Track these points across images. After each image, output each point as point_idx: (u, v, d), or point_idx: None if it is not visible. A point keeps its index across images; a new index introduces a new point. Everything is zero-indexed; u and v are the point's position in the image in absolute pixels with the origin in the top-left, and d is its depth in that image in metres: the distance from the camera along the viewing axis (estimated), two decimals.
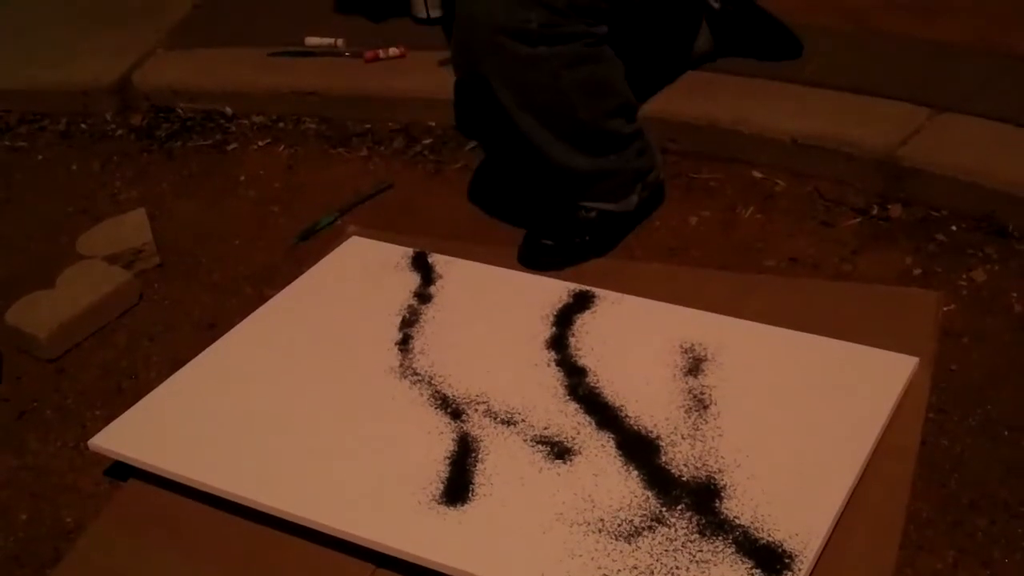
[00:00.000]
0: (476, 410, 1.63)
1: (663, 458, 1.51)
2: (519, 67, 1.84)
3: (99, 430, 1.68)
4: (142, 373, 1.90)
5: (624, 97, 1.97)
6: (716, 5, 2.32)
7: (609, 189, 2.00)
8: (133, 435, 1.66)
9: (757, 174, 2.19)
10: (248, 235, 2.23)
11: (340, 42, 2.70)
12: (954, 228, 1.98)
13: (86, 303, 2.00)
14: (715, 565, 1.34)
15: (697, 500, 1.44)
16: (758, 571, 1.33)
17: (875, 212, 2.04)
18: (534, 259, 1.99)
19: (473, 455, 1.55)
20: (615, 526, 1.41)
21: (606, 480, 1.48)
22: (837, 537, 1.38)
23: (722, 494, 1.44)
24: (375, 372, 1.73)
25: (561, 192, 2.03)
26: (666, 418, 1.57)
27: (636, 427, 1.57)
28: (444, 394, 1.67)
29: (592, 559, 1.37)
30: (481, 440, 1.57)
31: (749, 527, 1.39)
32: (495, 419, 1.61)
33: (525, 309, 1.83)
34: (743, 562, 1.34)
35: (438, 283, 1.92)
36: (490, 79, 1.87)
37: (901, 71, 2.28)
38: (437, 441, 1.58)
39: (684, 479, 1.47)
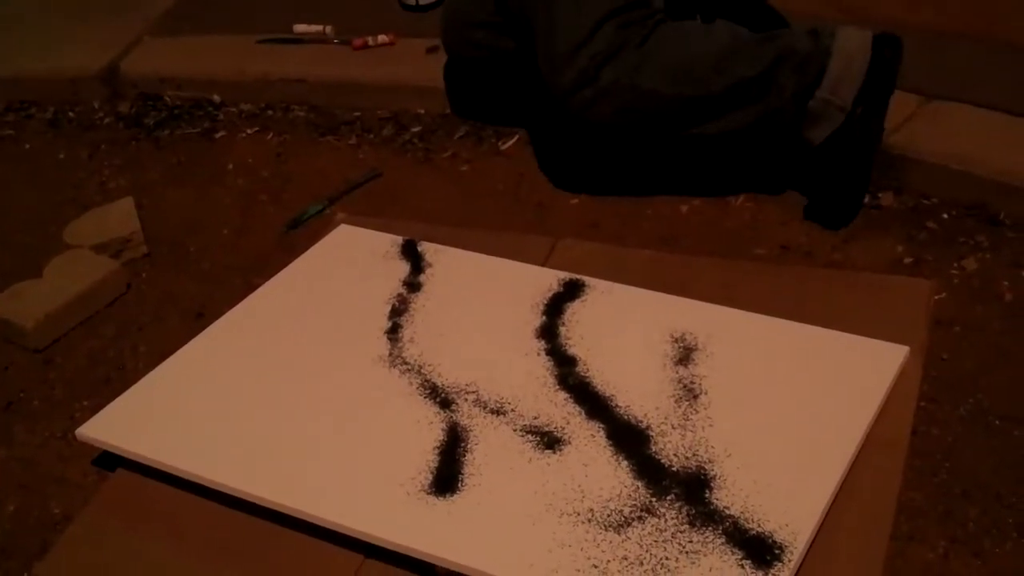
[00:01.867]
0: (465, 399, 1.62)
1: (653, 448, 1.50)
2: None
3: (87, 420, 1.67)
4: (130, 363, 1.89)
5: (714, 46, 1.96)
6: None
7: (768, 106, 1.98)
8: (121, 424, 1.65)
9: None
10: (236, 224, 2.22)
11: (329, 29, 2.69)
12: (945, 216, 1.98)
13: (73, 293, 1.99)
14: (705, 556, 1.34)
15: (687, 490, 1.43)
16: (748, 562, 1.32)
17: (866, 200, 2.03)
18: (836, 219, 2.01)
19: (462, 445, 1.54)
20: (605, 516, 1.41)
21: (596, 470, 1.48)
22: (827, 527, 1.38)
23: (712, 484, 1.43)
24: (364, 361, 1.72)
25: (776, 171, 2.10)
26: (656, 408, 1.57)
27: (626, 417, 1.56)
28: (433, 383, 1.66)
29: (582, 549, 1.36)
30: (470, 430, 1.57)
31: (739, 517, 1.38)
32: (484, 408, 1.60)
33: (515, 298, 1.82)
34: (733, 553, 1.34)
35: (427, 271, 1.91)
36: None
37: None
38: (426, 431, 1.57)
39: (674, 469, 1.46)
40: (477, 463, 1.51)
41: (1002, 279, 1.83)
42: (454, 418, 1.59)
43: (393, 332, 1.78)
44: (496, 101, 2.37)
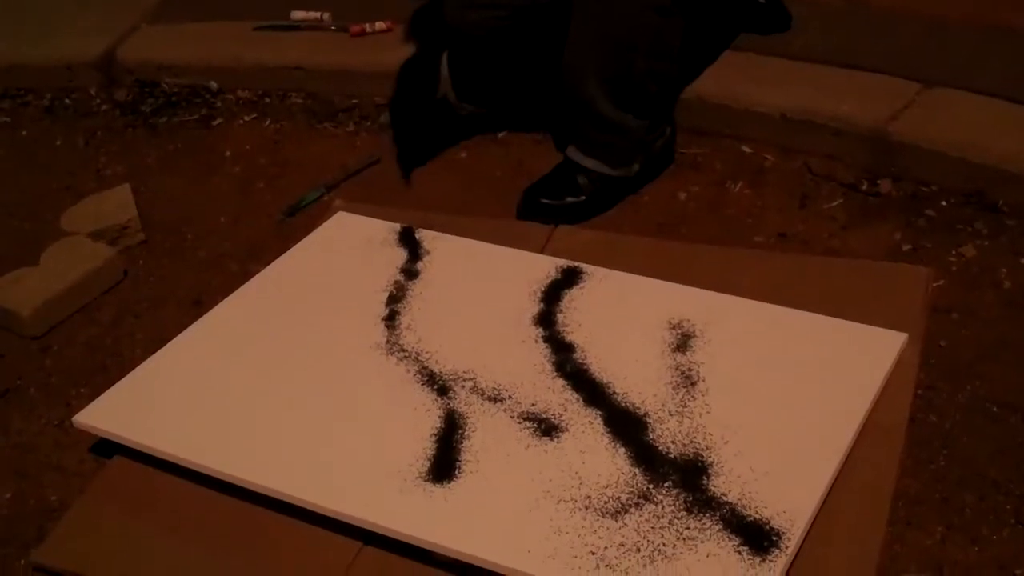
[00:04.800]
0: (463, 387, 1.62)
1: (651, 435, 1.50)
2: None
3: (83, 408, 1.67)
4: (127, 350, 1.89)
5: (673, 71, 2.05)
6: None
7: (613, 150, 2.05)
8: (118, 412, 1.65)
9: (746, 149, 2.18)
10: (234, 211, 2.22)
11: (326, 16, 2.68)
12: (944, 204, 1.98)
13: (70, 280, 1.98)
14: (702, 542, 1.34)
15: (684, 477, 1.43)
16: (745, 548, 1.32)
17: (865, 187, 2.03)
18: (531, 214, 2.05)
19: (460, 432, 1.54)
20: (602, 503, 1.41)
21: (593, 457, 1.48)
22: (825, 514, 1.38)
23: (709, 471, 1.43)
24: (361, 348, 1.72)
25: (567, 133, 2.10)
26: (654, 395, 1.56)
27: (624, 404, 1.56)
28: (431, 370, 1.66)
29: (579, 536, 1.36)
30: (468, 417, 1.56)
31: (736, 504, 1.38)
32: (482, 396, 1.60)
33: (513, 285, 1.82)
34: (730, 539, 1.34)
35: (425, 259, 1.91)
36: None
37: (891, 45, 2.26)
38: (424, 418, 1.57)
39: (671, 456, 1.46)
40: (474, 450, 1.51)
41: (1000, 266, 1.83)
42: (451, 405, 1.59)
43: (390, 319, 1.77)
44: (503, 80, 2.36)
